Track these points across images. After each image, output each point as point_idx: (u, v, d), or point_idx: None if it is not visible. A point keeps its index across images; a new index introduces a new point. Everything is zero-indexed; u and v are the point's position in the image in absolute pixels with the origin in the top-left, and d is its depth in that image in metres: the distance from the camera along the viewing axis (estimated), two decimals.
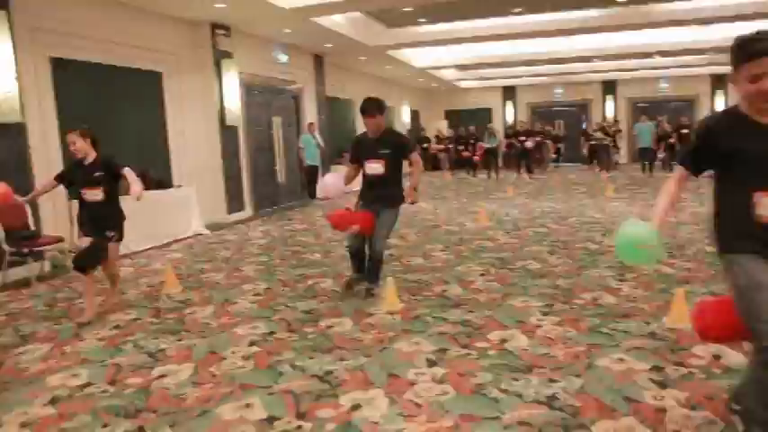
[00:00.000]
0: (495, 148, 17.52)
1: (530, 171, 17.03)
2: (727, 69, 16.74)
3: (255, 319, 4.44)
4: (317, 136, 12.72)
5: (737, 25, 13.64)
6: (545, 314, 4.28)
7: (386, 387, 3.16)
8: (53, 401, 3.17)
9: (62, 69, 7.11)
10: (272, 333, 4.12)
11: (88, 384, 3.38)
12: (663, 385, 3.06)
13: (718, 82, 21.05)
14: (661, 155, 16.64)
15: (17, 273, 6.11)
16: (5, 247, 5.92)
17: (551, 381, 3.15)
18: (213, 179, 9.83)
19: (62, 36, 7.09)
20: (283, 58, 12.11)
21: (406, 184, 4.91)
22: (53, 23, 6.95)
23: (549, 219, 8.92)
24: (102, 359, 3.76)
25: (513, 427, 2.69)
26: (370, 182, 4.86)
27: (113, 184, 4.64)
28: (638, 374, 3.20)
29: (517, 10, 11.87)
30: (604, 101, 22.29)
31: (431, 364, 3.45)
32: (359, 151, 4.95)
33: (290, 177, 12.50)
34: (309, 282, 5.54)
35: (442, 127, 21.16)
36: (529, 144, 17.00)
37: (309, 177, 12.51)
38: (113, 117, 7.92)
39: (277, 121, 12.10)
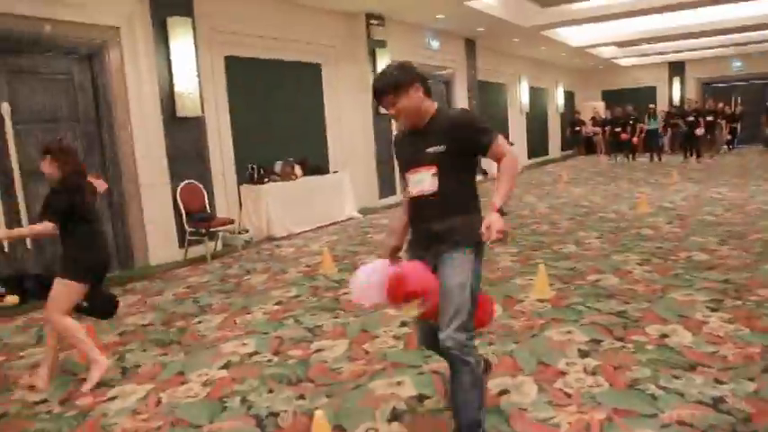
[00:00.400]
0: (657, 129, 16.25)
1: (699, 155, 15.56)
2: None
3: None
4: None
5: None
6: (713, 310, 3.94)
7: (535, 374, 3.14)
8: (227, 366, 3.56)
9: (234, 66, 7.81)
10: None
11: (256, 353, 3.74)
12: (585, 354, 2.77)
13: None
14: None
15: (195, 251, 6.86)
16: (187, 227, 6.69)
17: (718, 382, 2.91)
18: (366, 165, 10.24)
19: (234, 35, 7.78)
20: (435, 44, 12.21)
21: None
22: (227, 24, 7.63)
23: (719, 207, 8.11)
24: (266, 331, 4.13)
25: (672, 426, 2.55)
26: (417, 208, 2.53)
27: (69, 213, 3.34)
28: None
29: None
30: None
31: (583, 354, 3.35)
32: (399, 162, 2.67)
33: None
34: None
35: (600, 108, 20.01)
36: (699, 131, 15.52)
37: None
38: (278, 109, 8.56)
39: None
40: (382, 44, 10.32)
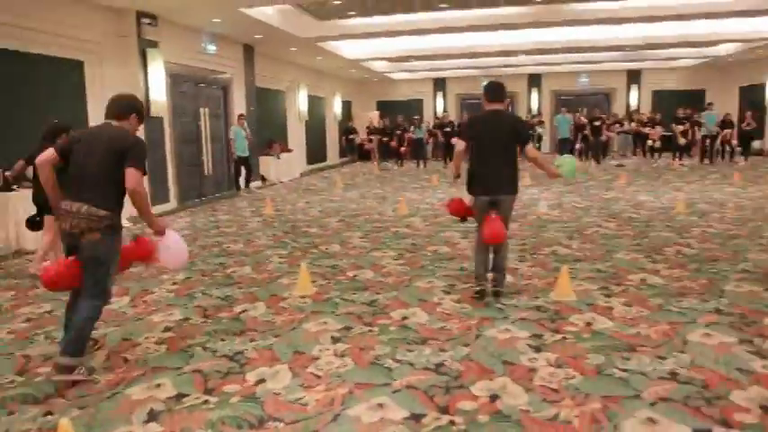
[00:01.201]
0: (422, 138, 18.01)
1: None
2: (641, 65, 17.85)
3: (172, 307, 4.58)
4: (246, 128, 12.73)
5: (650, 26, 14.60)
6: (447, 293, 4.63)
7: (290, 362, 3.41)
8: None
9: None
10: (186, 319, 4.28)
11: None
12: (538, 349, 3.45)
13: (633, 76, 22.32)
14: (578, 145, 17.59)
15: None
16: None
17: (442, 350, 3.48)
18: None
19: None
20: (212, 48, 12.05)
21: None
22: None
23: None
24: (11, 351, 3.80)
25: (402, 390, 3.00)
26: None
27: None
28: (518, 341, 3.58)
29: (443, 5, 12.25)
30: (530, 93, 23.15)
31: (335, 340, 3.72)
32: None
33: (217, 169, 12.49)
34: (228, 270, 5.70)
35: (374, 117, 21.43)
36: (454, 141, 17.54)
37: (239, 169, 12.59)
38: (27, 108, 7.74)
39: (204, 111, 12.05)
40: (154, 44, 9.93)
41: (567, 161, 4.92)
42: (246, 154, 12.51)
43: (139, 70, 9.62)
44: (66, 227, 3.30)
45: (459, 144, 4.60)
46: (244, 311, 4.40)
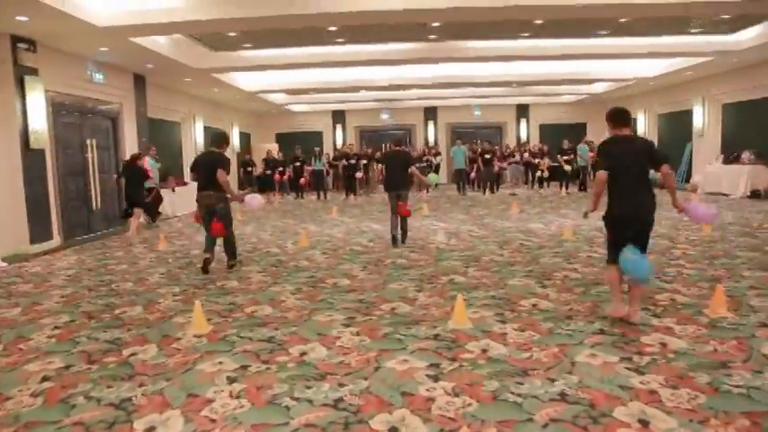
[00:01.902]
0: (322, 170, 18.07)
1: (354, 193, 17.72)
2: (529, 100, 19.13)
3: (51, 354, 4.23)
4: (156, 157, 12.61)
5: (536, 64, 15.62)
6: (346, 326, 4.61)
7: (183, 407, 3.23)
8: None
9: None
10: (69, 367, 3.97)
11: None
12: (436, 379, 3.50)
13: (522, 110, 23.74)
14: (473, 175, 18.40)
15: None
16: None
17: (340, 385, 3.44)
18: (13, 206, 9.02)
19: None
20: (99, 77, 11.50)
21: None
22: None
23: (365, 237, 9.45)
24: None
25: (300, 429, 2.93)
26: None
27: None
28: (417, 372, 3.61)
29: (339, 40, 12.45)
30: (426, 125, 23.94)
31: (231, 381, 3.59)
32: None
33: (107, 203, 11.82)
34: (117, 311, 5.37)
35: (273, 149, 21.23)
36: (358, 175, 17.77)
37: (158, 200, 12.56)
38: None
39: (92, 143, 11.42)
40: (33, 72, 9.33)
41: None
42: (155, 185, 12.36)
43: (16, 98, 9.00)
44: (206, 203, 6.95)
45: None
46: (133, 355, 4.14)
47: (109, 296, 5.99)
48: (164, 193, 14.00)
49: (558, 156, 17.70)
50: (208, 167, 6.86)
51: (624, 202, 4.39)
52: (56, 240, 9.85)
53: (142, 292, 6.11)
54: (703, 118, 17.04)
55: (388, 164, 8.63)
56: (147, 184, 11.77)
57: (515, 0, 8.65)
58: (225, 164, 6.84)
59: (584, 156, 17.66)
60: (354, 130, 24.29)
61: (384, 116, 24.03)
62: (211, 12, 8.89)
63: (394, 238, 8.48)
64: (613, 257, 4.48)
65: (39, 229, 9.39)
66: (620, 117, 4.57)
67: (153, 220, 12.17)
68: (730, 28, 12.41)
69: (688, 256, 7.12)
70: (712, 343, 3.98)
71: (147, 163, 12.00)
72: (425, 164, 18.99)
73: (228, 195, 7.01)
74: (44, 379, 3.75)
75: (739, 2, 9.16)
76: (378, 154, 18.00)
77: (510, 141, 23.13)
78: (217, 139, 7.28)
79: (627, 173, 4.38)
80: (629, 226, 4.40)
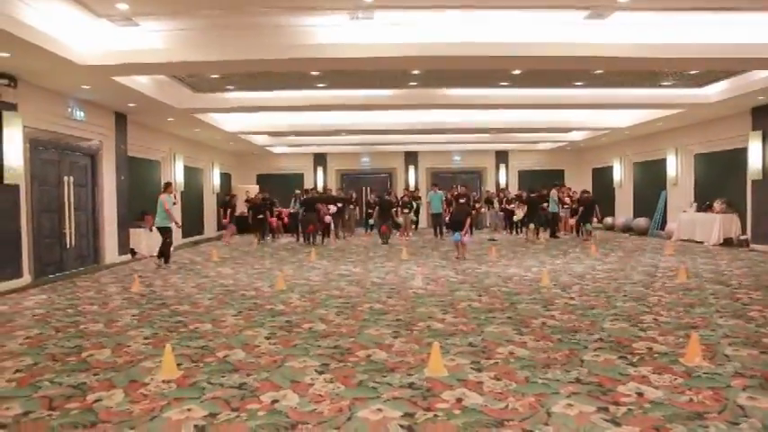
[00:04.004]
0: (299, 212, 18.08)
1: (337, 236, 17.68)
2: (508, 147, 19.75)
3: (9, 400, 4.05)
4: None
5: (515, 112, 15.97)
6: (320, 373, 4.51)
7: None
8: None
9: None
10: (27, 413, 3.80)
11: None
12: (409, 429, 3.42)
13: (501, 157, 24.12)
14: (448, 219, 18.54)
15: None
16: None
17: None
18: None
19: None
20: (80, 114, 11.46)
21: None
22: None
23: (344, 281, 9.36)
24: None
25: None
26: None
27: None
28: (390, 422, 3.53)
29: (321, 85, 12.62)
30: (407, 170, 24.15)
31: (198, 430, 3.46)
32: None
33: (81, 241, 11.62)
34: (84, 354, 5.20)
35: (253, 190, 21.20)
36: (327, 219, 17.76)
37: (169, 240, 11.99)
38: None
39: (69, 180, 11.29)
40: (12, 107, 9.27)
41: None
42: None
43: None
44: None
45: None
46: (98, 401, 3.99)
47: (76, 338, 5.82)
48: (140, 232, 13.86)
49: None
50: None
51: None
52: (25, 278, 9.61)
53: (112, 335, 5.94)
54: (676, 167, 17.46)
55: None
56: (164, 224, 11.57)
57: (493, 51, 8.88)
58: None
59: (552, 204, 17.96)
60: (336, 173, 24.41)
61: (364, 160, 24.24)
62: (195, 54, 8.99)
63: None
64: None
65: (7, 267, 9.16)
66: None
67: (166, 261, 11.73)
68: (698, 83, 12.87)
69: (664, 304, 7.16)
70: (688, 393, 3.96)
71: (166, 201, 11.68)
72: (408, 205, 19.04)
73: None
74: (0, 427, 3.59)
75: (702, 59, 9.53)
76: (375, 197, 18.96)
77: (490, 187, 23.42)
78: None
79: None
80: None
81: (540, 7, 8.27)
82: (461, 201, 14.79)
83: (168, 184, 12.24)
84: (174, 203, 12.28)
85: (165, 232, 11.68)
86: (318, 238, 16.87)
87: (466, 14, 8.47)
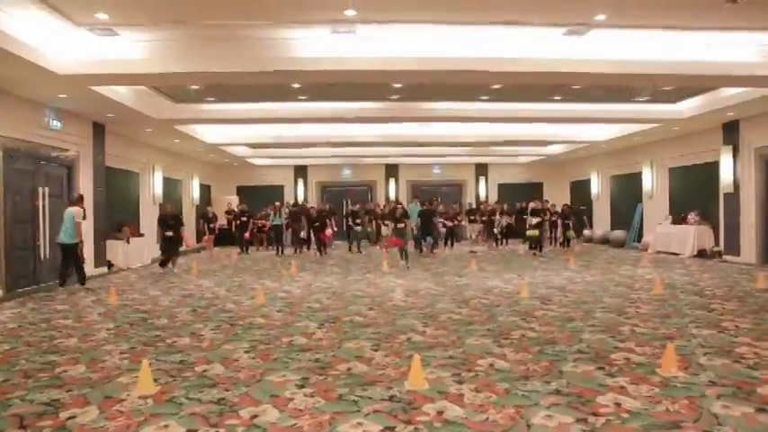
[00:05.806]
0: (281, 225, 17.96)
1: (319, 250, 17.60)
2: (487, 159, 19.97)
3: None
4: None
5: (494, 125, 16.12)
6: (300, 387, 4.48)
7: None
8: None
9: None
10: None
11: None
12: None
13: (481, 169, 24.31)
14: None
15: None
16: None
17: None
18: None
19: None
20: (57, 124, 11.30)
21: None
22: None
23: (324, 294, 9.32)
24: None
25: None
26: None
27: None
28: None
29: (302, 97, 12.63)
30: (387, 182, 24.20)
31: None
32: None
33: (56, 253, 11.41)
34: (57, 370, 5.09)
35: (233, 202, 21.08)
36: (303, 235, 17.70)
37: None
38: None
39: (44, 191, 11.11)
40: None
41: None
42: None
43: None
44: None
45: None
46: (71, 418, 3.91)
47: (50, 353, 5.70)
48: (117, 244, 13.67)
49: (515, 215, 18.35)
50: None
51: None
52: None
53: (86, 349, 5.83)
54: (652, 180, 17.77)
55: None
56: (72, 241, 11.21)
57: (473, 66, 8.99)
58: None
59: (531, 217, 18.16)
60: (317, 185, 24.37)
61: (345, 172, 24.25)
62: (175, 65, 8.94)
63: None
64: None
65: None
66: None
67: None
68: (673, 98, 13.16)
69: (641, 315, 7.25)
70: (664, 402, 4.01)
71: (77, 215, 11.28)
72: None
73: None
74: None
75: (675, 76, 9.74)
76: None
77: (471, 199, 23.56)
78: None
79: None
80: None
81: (519, 24, 8.40)
82: (425, 210, 15.65)
83: (81, 197, 10.66)
84: (85, 218, 10.75)
85: (71, 250, 10.02)
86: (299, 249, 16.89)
87: (447, 30, 8.57)
